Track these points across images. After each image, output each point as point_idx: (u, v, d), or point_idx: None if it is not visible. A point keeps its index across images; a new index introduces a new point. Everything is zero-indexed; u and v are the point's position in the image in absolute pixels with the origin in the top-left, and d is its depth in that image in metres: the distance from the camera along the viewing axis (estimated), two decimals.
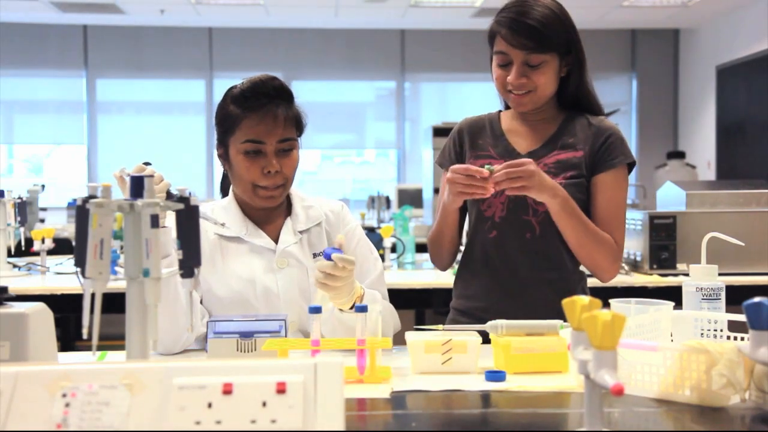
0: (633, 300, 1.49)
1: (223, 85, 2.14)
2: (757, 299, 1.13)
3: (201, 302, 1.77)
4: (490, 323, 1.49)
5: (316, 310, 1.43)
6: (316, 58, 8.62)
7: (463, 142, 1.93)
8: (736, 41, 7.57)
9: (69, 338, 4.30)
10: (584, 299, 0.98)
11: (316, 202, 1.91)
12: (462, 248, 1.97)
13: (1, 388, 0.92)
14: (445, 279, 2.86)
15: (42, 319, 1.25)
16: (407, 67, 8.79)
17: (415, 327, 1.55)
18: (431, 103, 9.00)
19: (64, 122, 8.59)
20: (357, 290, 1.64)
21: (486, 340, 1.49)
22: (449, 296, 2.00)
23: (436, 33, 8.59)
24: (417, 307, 3.75)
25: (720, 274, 1.57)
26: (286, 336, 1.54)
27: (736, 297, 1.42)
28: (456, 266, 1.98)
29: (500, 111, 1.97)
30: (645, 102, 8.87)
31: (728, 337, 1.42)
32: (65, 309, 2.58)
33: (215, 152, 1.86)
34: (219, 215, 1.82)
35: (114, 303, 1.30)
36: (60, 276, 3.04)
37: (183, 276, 1.14)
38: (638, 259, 3.04)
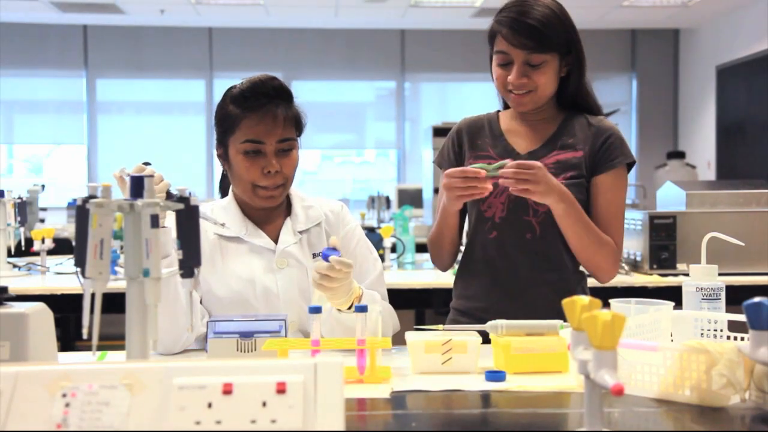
0: (633, 300, 1.49)
1: (223, 85, 2.14)
2: (757, 299, 1.13)
3: (201, 302, 1.77)
4: (490, 323, 1.49)
5: (316, 310, 1.43)
6: (316, 58, 8.63)
7: (462, 143, 1.93)
8: (736, 41, 7.57)
9: (69, 338, 4.30)
10: (584, 299, 0.98)
11: (315, 202, 1.91)
12: (462, 248, 1.97)
13: (1, 388, 0.92)
14: (445, 279, 2.86)
15: (42, 319, 1.25)
16: (407, 67, 8.79)
17: (415, 327, 1.55)
18: (431, 103, 9.00)
19: (64, 122, 8.59)
20: (355, 291, 1.64)
21: (486, 340, 1.49)
22: (449, 296, 2.00)
23: (436, 33, 8.59)
24: (417, 307, 3.76)
25: (720, 274, 1.57)
26: (286, 336, 1.54)
27: (736, 297, 1.42)
28: (456, 266, 1.98)
29: (498, 111, 1.97)
30: (645, 102, 8.87)
31: (728, 337, 1.42)
32: (65, 309, 2.58)
33: (215, 152, 1.86)
34: (219, 215, 1.82)
35: (114, 303, 1.30)
36: (60, 276, 3.04)
37: (183, 276, 1.14)
38: (638, 259, 3.04)
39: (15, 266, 3.17)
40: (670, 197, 3.22)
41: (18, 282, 2.86)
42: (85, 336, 1.05)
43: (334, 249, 1.58)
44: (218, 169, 1.91)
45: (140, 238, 1.07)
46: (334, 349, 1.48)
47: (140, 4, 7.50)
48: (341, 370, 0.94)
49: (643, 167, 8.15)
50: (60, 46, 8.39)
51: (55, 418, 0.90)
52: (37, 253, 3.23)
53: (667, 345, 1.24)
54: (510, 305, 1.77)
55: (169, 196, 1.60)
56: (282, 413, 0.90)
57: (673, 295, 1.64)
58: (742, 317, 1.23)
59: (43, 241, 3.19)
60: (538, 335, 1.46)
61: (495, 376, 1.38)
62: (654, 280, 2.89)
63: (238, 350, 1.50)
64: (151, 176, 1.10)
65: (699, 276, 1.56)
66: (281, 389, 0.91)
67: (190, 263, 1.13)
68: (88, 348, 1.13)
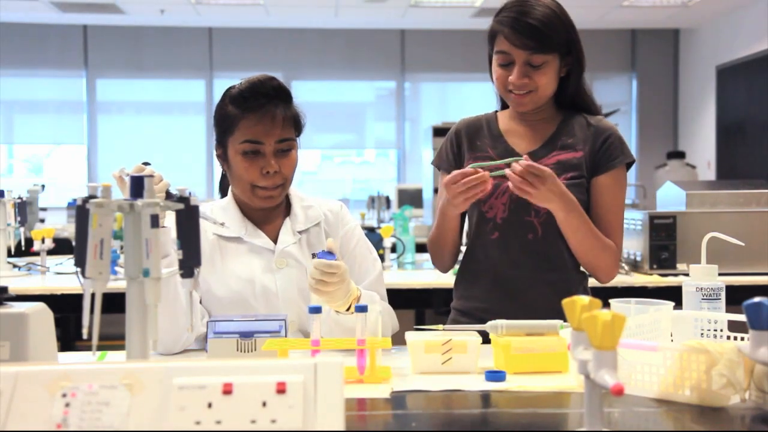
0: (633, 300, 1.49)
1: (223, 85, 2.14)
2: (757, 299, 1.13)
3: (200, 302, 1.77)
4: (490, 323, 1.49)
5: (316, 310, 1.43)
6: (316, 58, 8.63)
7: (461, 143, 1.92)
8: (736, 41, 7.57)
9: (69, 338, 4.30)
10: (584, 299, 0.98)
11: (315, 202, 1.91)
12: (463, 249, 1.97)
13: (1, 388, 0.92)
14: (446, 279, 2.85)
15: (42, 319, 1.25)
16: (407, 67, 8.79)
17: (415, 327, 1.54)
18: (431, 103, 9.00)
19: (64, 122, 8.59)
20: (353, 292, 1.64)
21: (486, 340, 1.49)
22: (449, 296, 2.00)
23: (436, 33, 8.59)
24: (417, 307, 3.75)
25: (720, 274, 1.57)
26: (286, 336, 1.54)
27: (736, 297, 1.42)
28: (456, 267, 1.98)
29: (496, 111, 1.97)
30: (645, 102, 8.87)
31: (728, 337, 1.42)
32: (65, 309, 2.58)
33: (214, 152, 1.86)
34: (218, 215, 1.82)
35: (114, 303, 1.30)
36: (60, 276, 3.04)
37: (183, 276, 1.14)
38: (638, 259, 3.03)
39: (15, 266, 3.17)
40: (670, 197, 3.22)
41: (18, 282, 2.86)
42: (85, 336, 1.05)
43: (330, 253, 1.57)
44: (218, 169, 1.91)
45: (140, 238, 1.07)
46: (334, 349, 1.48)
47: (140, 4, 7.50)
48: (341, 370, 0.94)
49: (643, 167, 8.15)
50: (60, 46, 8.39)
51: (55, 418, 0.90)
52: (37, 253, 3.23)
53: (667, 345, 1.24)
54: (511, 305, 1.77)
55: (168, 196, 1.61)
56: (282, 413, 0.90)
57: (673, 295, 1.64)
58: (742, 317, 1.23)
59: (43, 241, 3.19)
60: (538, 335, 1.46)
61: (495, 376, 1.38)
62: (654, 280, 2.89)
63: (238, 350, 1.50)
64: (151, 176, 1.10)
65: (699, 276, 1.56)
66: (281, 389, 0.91)
67: (190, 263, 1.13)
68: (88, 348, 1.13)
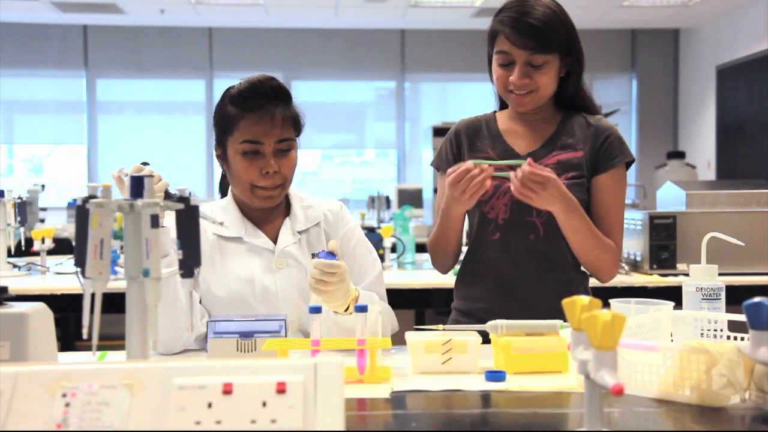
0: (633, 300, 1.49)
1: (223, 85, 2.14)
2: (757, 299, 1.13)
3: (200, 302, 1.77)
4: (490, 323, 1.49)
5: (316, 310, 1.43)
6: (316, 58, 8.63)
7: (461, 144, 1.92)
8: (736, 41, 7.57)
9: (69, 338, 4.30)
10: (584, 299, 0.98)
11: (315, 202, 1.91)
12: (463, 249, 1.96)
13: (1, 388, 0.92)
14: (446, 279, 2.84)
15: (42, 319, 1.25)
16: (407, 67, 8.79)
17: (415, 327, 1.54)
18: (431, 103, 9.00)
19: (64, 122, 8.59)
20: (351, 292, 1.64)
21: (486, 340, 1.49)
22: (449, 296, 2.00)
23: (436, 33, 8.59)
24: (417, 307, 3.75)
25: (720, 274, 1.57)
26: (285, 336, 1.54)
27: (736, 297, 1.42)
28: (456, 267, 1.97)
29: (495, 112, 1.97)
30: (645, 102, 8.87)
31: (728, 337, 1.42)
32: (65, 309, 2.58)
33: (214, 152, 1.86)
34: (218, 215, 1.82)
35: (114, 303, 1.30)
36: (60, 276, 3.04)
37: (183, 276, 1.14)
38: (638, 259, 3.03)
39: (15, 266, 3.17)
40: (670, 197, 3.22)
41: (18, 282, 2.86)
42: (85, 336, 1.05)
43: (331, 253, 1.57)
44: (218, 169, 1.91)
45: (140, 238, 1.07)
46: (334, 349, 1.48)
47: (140, 4, 7.50)
48: (341, 370, 0.94)
49: (643, 167, 8.15)
50: (60, 46, 8.39)
51: (55, 418, 0.90)
52: (37, 253, 3.23)
53: (667, 345, 1.24)
54: (513, 306, 1.76)
55: (167, 195, 1.61)
56: (282, 413, 0.90)
57: (673, 295, 1.64)
58: (742, 317, 1.23)
59: (43, 241, 3.19)
60: (538, 335, 1.46)
61: (495, 376, 1.38)
62: (654, 280, 2.89)
63: (238, 350, 1.50)
64: (151, 176, 1.10)
65: (699, 276, 1.56)
66: (281, 389, 0.91)
67: (190, 263, 1.13)
68: (88, 348, 1.13)
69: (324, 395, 0.92)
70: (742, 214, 2.98)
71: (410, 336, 1.49)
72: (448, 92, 9.13)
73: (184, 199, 1.13)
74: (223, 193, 2.08)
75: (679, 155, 7.22)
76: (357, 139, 9.10)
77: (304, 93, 8.41)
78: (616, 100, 8.68)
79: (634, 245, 3.05)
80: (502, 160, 1.80)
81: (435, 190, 6.30)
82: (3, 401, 0.91)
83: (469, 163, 1.68)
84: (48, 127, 8.61)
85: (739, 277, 2.79)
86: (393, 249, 3.35)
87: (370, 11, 7.81)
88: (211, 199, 4.53)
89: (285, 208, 1.89)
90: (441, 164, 1.94)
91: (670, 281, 2.87)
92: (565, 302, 0.99)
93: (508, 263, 1.83)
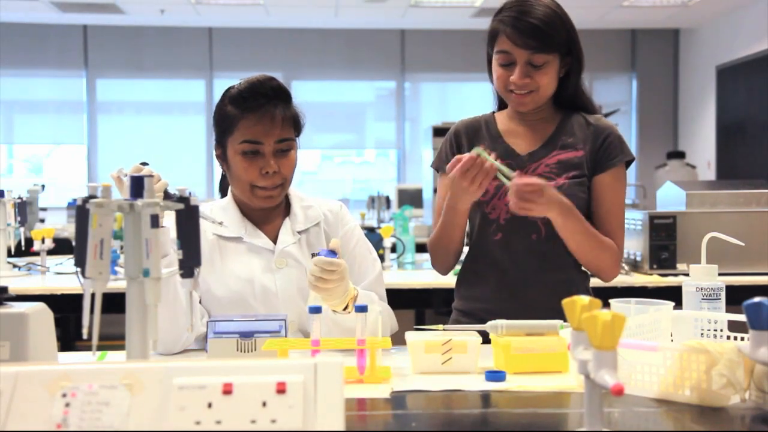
0: (633, 300, 1.49)
1: (223, 85, 2.14)
2: (757, 299, 1.13)
3: (200, 302, 1.77)
4: (490, 323, 1.49)
5: (316, 310, 1.43)
6: (316, 58, 8.63)
7: (461, 145, 1.91)
8: (736, 41, 7.57)
9: (69, 338, 4.30)
10: (584, 299, 0.98)
11: (314, 202, 1.91)
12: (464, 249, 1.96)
13: (1, 388, 0.92)
14: (446, 279, 2.83)
15: (42, 319, 1.25)
16: (407, 67, 8.79)
17: (415, 327, 1.54)
18: (431, 103, 9.00)
19: (64, 122, 8.59)
20: (350, 291, 1.64)
21: (486, 340, 1.49)
22: (449, 296, 2.00)
23: (436, 33, 8.59)
24: (417, 307, 3.75)
25: (720, 274, 1.57)
26: (285, 336, 1.54)
27: (736, 297, 1.42)
28: (457, 267, 1.97)
29: (494, 112, 1.97)
30: (645, 102, 8.87)
31: (728, 337, 1.42)
32: (65, 309, 2.58)
33: (214, 152, 1.86)
34: (218, 215, 1.82)
35: (114, 303, 1.30)
36: (60, 276, 3.04)
37: (183, 276, 1.14)
38: (638, 259, 3.03)
39: (15, 266, 3.17)
40: (670, 197, 3.22)
41: (18, 282, 2.86)
42: (85, 336, 1.05)
43: (332, 252, 1.58)
44: (218, 169, 1.91)
45: (140, 238, 1.07)
46: (334, 349, 1.48)
47: (140, 4, 7.50)
48: (341, 370, 0.94)
49: (643, 167, 8.15)
50: (60, 46, 8.39)
51: (55, 418, 0.90)
52: (37, 253, 3.23)
53: (667, 345, 1.24)
54: (515, 306, 1.76)
55: (167, 195, 1.61)
56: (282, 413, 0.90)
57: (673, 295, 1.64)
58: (742, 317, 1.23)
59: (43, 241, 3.19)
60: (538, 335, 1.46)
61: (495, 376, 1.38)
62: (654, 280, 2.89)
63: (238, 350, 1.50)
64: (151, 176, 1.10)
65: (699, 276, 1.56)
66: (281, 389, 0.91)
67: (190, 263, 1.13)
68: (88, 348, 1.13)
69: (324, 395, 0.92)
70: (742, 214, 2.98)
71: (410, 336, 1.49)
72: (448, 92, 9.13)
73: (184, 199, 1.13)
74: (223, 193, 2.08)
75: (679, 155, 7.22)
76: (357, 139, 9.10)
77: (304, 93, 8.41)
78: (616, 100, 8.68)
79: (634, 245, 3.05)
80: (503, 159, 1.80)
81: (435, 191, 6.30)
82: (3, 401, 0.91)
83: (472, 153, 1.67)
84: (48, 127, 8.60)
85: (739, 277, 2.79)
86: (393, 249, 3.35)
87: (370, 11, 7.81)
88: (211, 199, 4.53)
89: (285, 208, 1.89)
90: (441, 165, 1.93)
91: (670, 281, 2.87)
92: (565, 302, 0.99)
93: (510, 263, 1.83)
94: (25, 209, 3.12)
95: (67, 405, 0.91)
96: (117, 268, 2.29)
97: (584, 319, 0.94)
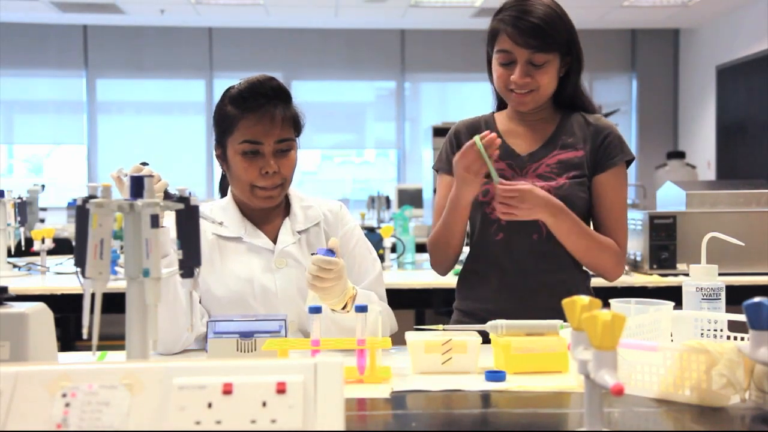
0: (633, 300, 1.49)
1: (223, 85, 2.14)
2: (757, 299, 1.13)
3: (200, 302, 1.77)
4: (490, 323, 1.49)
5: (316, 310, 1.43)
6: (316, 58, 8.63)
7: (461, 145, 1.90)
8: (736, 41, 7.57)
9: (69, 338, 4.30)
10: (584, 299, 0.98)
11: (314, 202, 1.91)
12: (464, 248, 1.96)
13: (1, 388, 0.92)
14: (446, 279, 2.83)
15: (42, 319, 1.25)
16: (407, 67, 8.79)
17: (415, 327, 1.54)
18: (431, 103, 9.00)
19: (64, 122, 8.59)
20: (349, 291, 1.64)
21: (486, 340, 1.49)
22: (449, 296, 1.99)
23: (436, 33, 8.59)
24: (417, 307, 3.76)
25: (720, 274, 1.57)
26: (285, 336, 1.54)
27: (736, 297, 1.42)
28: (457, 267, 1.97)
29: (493, 112, 1.97)
30: (645, 102, 8.87)
31: (728, 337, 1.42)
32: (65, 309, 2.58)
33: (214, 152, 1.86)
34: (218, 215, 1.82)
35: (114, 303, 1.30)
36: (60, 276, 3.05)
37: (183, 276, 1.14)
38: (638, 259, 3.04)
39: (15, 266, 3.17)
40: (670, 197, 3.23)
41: (18, 282, 2.86)
42: (85, 336, 1.05)
43: (330, 251, 1.58)
44: (218, 169, 1.91)
45: (140, 238, 1.07)
46: (334, 349, 1.48)
47: (140, 4, 7.50)
48: (341, 370, 0.94)
49: (643, 167, 8.15)
50: (60, 46, 8.39)
51: (55, 418, 0.90)
52: (37, 253, 3.23)
53: (667, 345, 1.24)
54: (517, 306, 1.76)
55: (167, 195, 1.61)
56: (282, 413, 0.90)
57: (673, 295, 1.64)
58: (742, 317, 1.23)
59: (43, 241, 3.19)
60: (538, 335, 1.46)
61: (495, 376, 1.38)
62: (654, 280, 2.89)
63: (238, 350, 1.50)
64: (151, 176, 1.10)
65: (699, 276, 1.56)
66: (281, 389, 0.91)
67: (190, 263, 1.13)
68: (88, 348, 1.13)
69: (324, 395, 0.92)
70: (742, 214, 2.98)
71: (410, 336, 1.49)
72: (448, 92, 9.13)
73: (184, 199, 1.13)
74: (223, 193, 2.08)
75: (679, 155, 7.22)
76: (357, 139, 9.10)
77: (304, 93, 8.41)
78: (616, 100, 8.68)
79: (634, 245, 3.06)
80: (503, 160, 1.81)
81: (435, 191, 6.30)
82: (3, 401, 0.91)
83: (472, 140, 1.68)
84: (48, 127, 8.60)
85: (739, 277, 2.79)
86: (393, 249, 3.35)
87: (370, 11, 7.81)
88: (211, 199, 4.53)
89: (285, 208, 1.89)
90: (441, 165, 1.94)
91: (670, 281, 2.87)
92: (565, 302, 0.99)
93: (511, 263, 1.83)
94: (25, 209, 3.12)
95: (67, 405, 0.91)
96: (117, 268, 2.29)
97: (584, 319, 0.94)
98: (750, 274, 2.88)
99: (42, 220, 5.13)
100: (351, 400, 1.24)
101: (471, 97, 8.51)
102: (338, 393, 0.92)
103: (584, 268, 1.89)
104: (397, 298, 2.24)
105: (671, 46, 8.81)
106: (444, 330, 1.51)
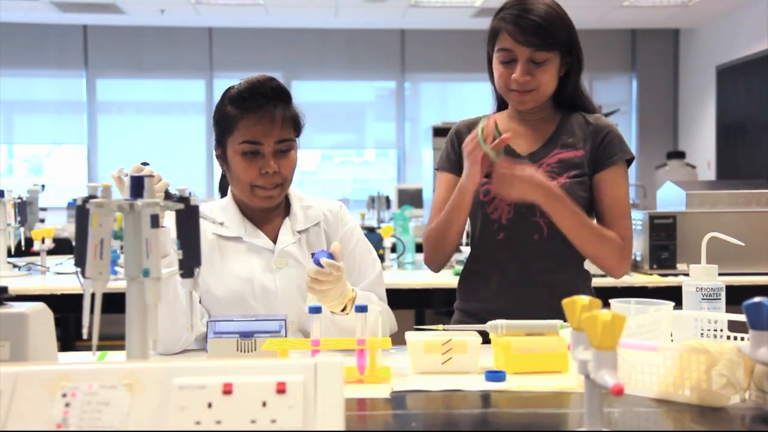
0: (633, 300, 1.49)
1: (223, 85, 2.14)
2: (757, 299, 1.13)
3: (200, 302, 1.77)
4: (490, 323, 1.49)
5: (316, 310, 1.43)
6: (316, 58, 8.63)
7: (463, 154, 1.91)
8: (736, 41, 7.57)
9: (69, 338, 4.30)
10: (584, 299, 0.98)
11: (314, 202, 1.91)
12: (466, 249, 1.96)
13: (1, 388, 0.92)
14: (445, 279, 2.86)
15: (42, 319, 1.25)
16: (407, 67, 8.79)
17: (415, 327, 1.54)
18: (431, 103, 9.00)
19: (64, 122, 8.59)
20: (348, 293, 1.64)
21: (486, 340, 1.49)
22: (449, 296, 1.99)
23: (436, 33, 8.59)
24: (417, 307, 3.76)
25: (720, 274, 1.57)
26: (285, 336, 1.54)
27: (736, 297, 1.42)
28: (457, 267, 1.97)
29: (493, 113, 1.97)
30: (645, 102, 8.87)
31: (728, 337, 1.42)
32: (65, 309, 2.58)
33: (214, 153, 1.86)
34: (218, 215, 1.82)
35: (114, 303, 1.30)
36: (60, 276, 3.05)
37: (183, 276, 1.14)
38: (638, 259, 3.04)
39: (15, 266, 3.17)
40: (670, 197, 3.23)
41: (18, 282, 2.86)
42: (85, 336, 1.05)
43: (329, 254, 1.57)
44: (218, 169, 1.91)
45: (140, 238, 1.07)
46: (334, 349, 1.48)
47: (140, 4, 7.50)
48: (341, 370, 0.94)
49: (643, 167, 8.15)
50: (60, 46, 8.39)
51: (55, 418, 0.90)
52: (37, 253, 3.23)
53: (667, 345, 1.24)
54: (517, 306, 1.75)
55: (167, 196, 1.61)
56: (282, 413, 0.90)
57: (673, 295, 1.64)
58: (742, 317, 1.23)
59: (43, 241, 3.19)
60: (538, 335, 1.46)
61: (495, 376, 1.38)
62: (654, 280, 2.89)
63: (238, 350, 1.50)
64: (151, 176, 1.10)
65: (699, 276, 1.56)
66: (281, 389, 0.91)
67: (190, 263, 1.13)
68: (88, 348, 1.13)
69: (324, 395, 0.92)
70: (742, 214, 2.98)
71: (410, 336, 1.49)
72: (448, 92, 9.13)
73: (184, 199, 1.13)
74: (223, 193, 2.08)
75: (679, 155, 7.22)
76: (357, 139, 9.10)
77: (304, 93, 8.41)
78: (616, 100, 8.68)
79: (634, 245, 3.05)
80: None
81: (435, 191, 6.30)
82: (3, 401, 0.91)
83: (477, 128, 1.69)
84: (48, 127, 8.61)
85: (739, 277, 2.80)
86: (393, 249, 3.35)
87: (370, 11, 7.81)
88: (211, 199, 4.53)
89: (285, 208, 1.89)
90: (442, 164, 1.94)
91: (670, 281, 2.87)
92: (565, 302, 0.99)
93: (513, 263, 1.83)
94: (25, 209, 3.12)
95: (67, 405, 0.91)
96: (117, 268, 2.29)
97: (584, 319, 0.94)
98: (750, 274, 2.88)
99: (42, 220, 5.13)
100: (351, 400, 1.24)
101: (471, 97, 8.52)
102: (338, 393, 0.92)
103: (586, 267, 1.89)
104: (397, 298, 2.24)
105: (671, 46, 8.81)
106: (444, 330, 1.51)
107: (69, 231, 4.69)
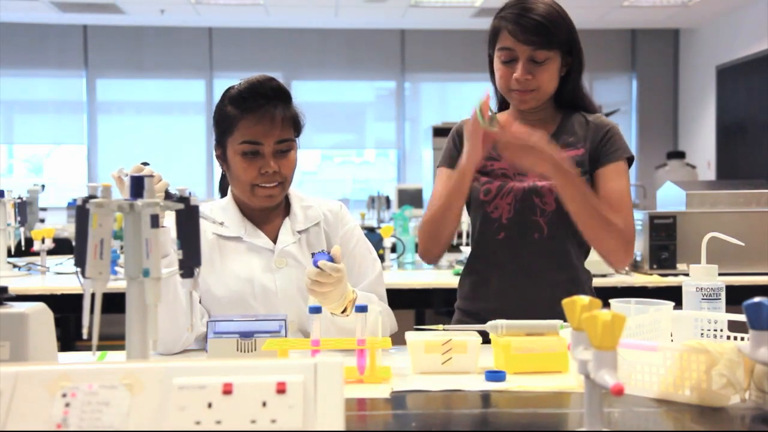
0: (633, 300, 1.49)
1: (223, 85, 2.14)
2: (757, 299, 1.13)
3: (200, 302, 1.77)
4: (490, 323, 1.49)
5: (316, 310, 1.43)
6: (316, 58, 8.63)
7: (464, 143, 1.91)
8: (736, 41, 7.58)
9: (69, 338, 4.30)
10: (584, 299, 0.98)
11: (314, 202, 1.92)
12: (466, 249, 1.96)
13: (1, 388, 0.92)
14: (445, 279, 2.86)
15: (42, 319, 1.25)
16: (407, 67, 8.80)
17: (415, 327, 1.54)
18: (431, 103, 9.00)
19: (64, 122, 8.59)
20: (348, 294, 1.64)
21: (486, 340, 1.49)
22: (449, 296, 2.00)
23: (436, 33, 8.59)
24: (417, 307, 3.75)
25: (720, 274, 1.57)
26: (285, 336, 1.54)
27: (736, 297, 1.42)
28: (457, 266, 1.97)
29: (494, 113, 1.96)
30: (645, 102, 8.87)
31: (728, 337, 1.42)
32: (65, 309, 2.58)
33: (214, 153, 1.86)
34: (217, 215, 1.82)
35: (114, 303, 1.30)
36: (60, 276, 3.04)
37: (183, 276, 1.14)
38: (638, 259, 3.04)
39: (15, 266, 3.17)
40: (670, 197, 3.23)
41: (18, 282, 2.86)
42: (85, 336, 1.05)
43: (328, 254, 1.57)
44: (218, 169, 1.91)
45: (140, 238, 1.07)
46: (334, 349, 1.48)
47: (140, 4, 7.50)
48: (341, 370, 0.94)
49: (643, 167, 8.15)
50: (60, 46, 8.39)
51: (55, 418, 0.90)
52: (37, 253, 3.23)
53: (667, 345, 1.24)
54: (518, 306, 1.75)
55: (167, 195, 1.61)
56: (282, 413, 0.90)
57: (673, 295, 1.64)
58: (742, 317, 1.23)
59: (43, 241, 3.19)
60: (538, 335, 1.46)
61: (495, 376, 1.38)
62: (654, 280, 2.89)
63: (238, 350, 1.50)
64: (151, 176, 1.10)
65: (699, 276, 1.56)
66: (281, 389, 0.91)
67: (190, 263, 1.13)
68: (88, 348, 1.13)
69: (324, 395, 0.92)
70: (742, 214, 2.98)
71: (410, 336, 1.49)
72: (448, 92, 9.13)
73: (184, 199, 1.13)
74: (223, 193, 2.08)
75: (679, 155, 7.22)
76: (357, 139, 9.10)
77: (304, 93, 8.41)
78: (616, 100, 8.68)
79: (635, 245, 3.05)
80: (503, 160, 1.81)
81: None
82: (3, 401, 0.91)
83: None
84: (48, 127, 8.61)
85: (739, 277, 2.80)
86: (393, 249, 3.35)
87: (370, 11, 7.81)
88: (211, 199, 4.53)
89: (285, 208, 1.89)
90: (444, 161, 1.94)
91: (670, 281, 2.87)
92: (565, 302, 0.99)
93: (513, 263, 1.83)
94: (25, 209, 3.12)
95: (67, 405, 0.91)
96: (117, 268, 2.29)
97: (584, 319, 0.94)
98: (750, 274, 2.88)
99: (42, 220, 5.13)
100: (351, 400, 1.24)
101: (471, 97, 8.33)
102: (338, 393, 0.92)
103: (586, 267, 1.89)
104: (397, 298, 2.24)
105: (671, 46, 8.81)
106: (444, 330, 1.51)
107: (69, 231, 4.69)
